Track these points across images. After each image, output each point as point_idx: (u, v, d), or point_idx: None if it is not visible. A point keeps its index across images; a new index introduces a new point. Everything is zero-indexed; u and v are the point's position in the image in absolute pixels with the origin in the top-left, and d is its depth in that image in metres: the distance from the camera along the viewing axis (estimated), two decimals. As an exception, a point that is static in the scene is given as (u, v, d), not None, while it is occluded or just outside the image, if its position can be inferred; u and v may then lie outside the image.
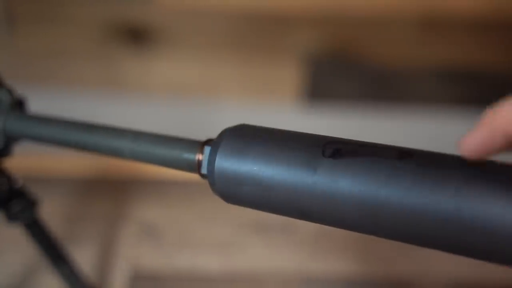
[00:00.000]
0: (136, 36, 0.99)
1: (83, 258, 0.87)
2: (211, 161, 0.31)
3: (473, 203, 0.24)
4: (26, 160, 1.00)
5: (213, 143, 0.32)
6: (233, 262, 0.89)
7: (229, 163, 0.30)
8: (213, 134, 0.34)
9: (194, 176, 0.35)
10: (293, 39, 0.98)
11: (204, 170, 0.33)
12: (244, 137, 0.31)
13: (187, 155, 0.34)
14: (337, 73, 1.02)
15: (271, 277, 0.87)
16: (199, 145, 0.34)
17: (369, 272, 0.88)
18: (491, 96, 1.18)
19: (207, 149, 0.33)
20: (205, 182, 0.33)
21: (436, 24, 0.96)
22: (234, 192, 0.31)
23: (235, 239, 0.94)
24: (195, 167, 0.34)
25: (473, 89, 1.02)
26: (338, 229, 0.29)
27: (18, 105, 0.47)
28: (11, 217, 0.55)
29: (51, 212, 0.95)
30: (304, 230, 0.95)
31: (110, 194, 1.04)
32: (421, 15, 0.95)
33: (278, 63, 1.00)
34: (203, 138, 0.35)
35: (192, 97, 1.04)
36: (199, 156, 0.34)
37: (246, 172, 0.30)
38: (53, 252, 0.61)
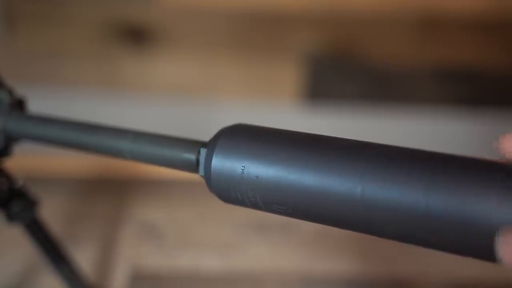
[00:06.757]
0: (136, 36, 0.99)
1: (83, 258, 0.87)
2: (208, 162, 0.31)
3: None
4: (26, 160, 1.00)
5: (210, 144, 0.32)
6: (233, 262, 0.89)
7: (225, 163, 0.30)
8: (213, 134, 0.34)
9: (195, 176, 0.35)
10: (293, 39, 0.98)
11: (201, 171, 0.33)
12: (240, 136, 0.31)
13: (187, 155, 0.34)
14: (337, 73, 1.02)
15: (271, 277, 0.86)
16: (199, 145, 0.34)
17: (369, 272, 0.88)
18: (490, 96, 1.18)
19: (203, 150, 0.33)
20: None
21: (436, 24, 0.96)
22: (231, 192, 0.31)
23: (235, 239, 0.94)
24: (195, 167, 0.34)
25: (473, 89, 1.02)
26: (339, 229, 0.28)
27: (18, 105, 0.47)
28: (11, 217, 0.55)
29: (51, 212, 0.95)
30: (305, 230, 0.95)
31: (110, 194, 1.04)
32: (421, 15, 0.95)
33: (278, 63, 1.00)
34: (203, 138, 0.35)
35: (192, 97, 1.04)
36: (199, 157, 0.34)
37: (243, 172, 0.29)
38: (53, 252, 0.61)
